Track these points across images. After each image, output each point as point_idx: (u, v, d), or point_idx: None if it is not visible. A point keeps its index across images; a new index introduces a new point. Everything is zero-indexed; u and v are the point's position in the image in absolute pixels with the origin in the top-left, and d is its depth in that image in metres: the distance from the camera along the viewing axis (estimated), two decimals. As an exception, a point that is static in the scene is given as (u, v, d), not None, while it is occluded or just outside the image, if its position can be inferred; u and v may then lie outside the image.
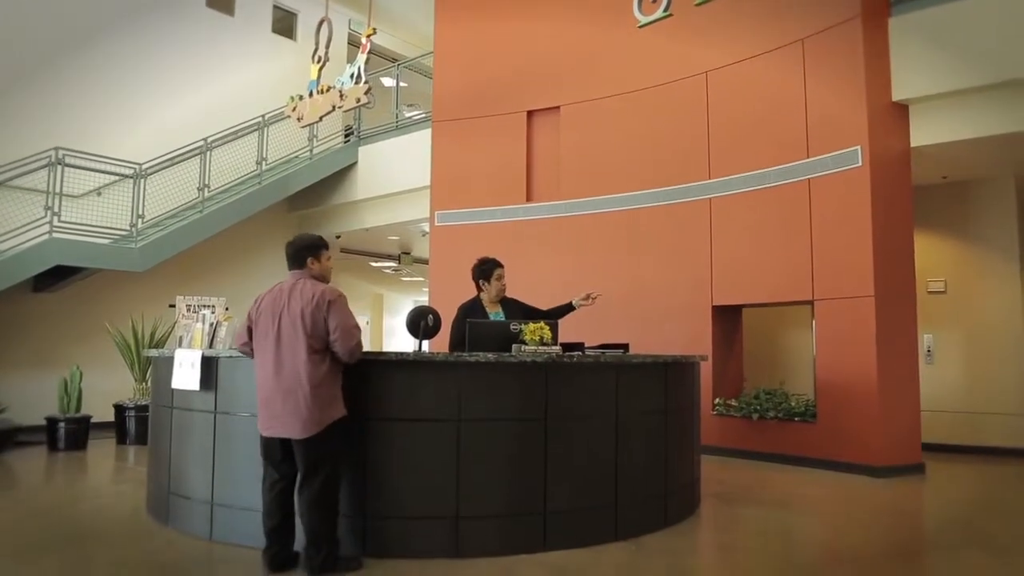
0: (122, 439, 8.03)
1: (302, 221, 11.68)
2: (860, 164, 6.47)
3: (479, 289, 5.00)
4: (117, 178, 8.78)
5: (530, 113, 8.87)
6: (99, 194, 8.68)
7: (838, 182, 6.63)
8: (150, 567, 3.67)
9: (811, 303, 6.87)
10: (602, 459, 4.08)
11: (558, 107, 8.67)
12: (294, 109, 8.29)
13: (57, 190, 8.02)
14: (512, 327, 4.14)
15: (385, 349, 13.80)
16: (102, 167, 8.53)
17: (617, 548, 3.94)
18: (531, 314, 4.84)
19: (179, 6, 10.52)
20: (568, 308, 5.09)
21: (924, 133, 6.64)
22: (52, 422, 7.71)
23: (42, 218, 7.91)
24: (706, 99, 7.62)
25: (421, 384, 3.79)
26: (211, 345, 4.54)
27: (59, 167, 8.05)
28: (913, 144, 6.70)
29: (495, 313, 4.93)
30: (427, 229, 9.73)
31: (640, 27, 8.05)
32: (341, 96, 7.71)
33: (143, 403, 7.89)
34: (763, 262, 7.12)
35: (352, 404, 3.66)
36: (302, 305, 3.46)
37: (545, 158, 8.76)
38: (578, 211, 8.40)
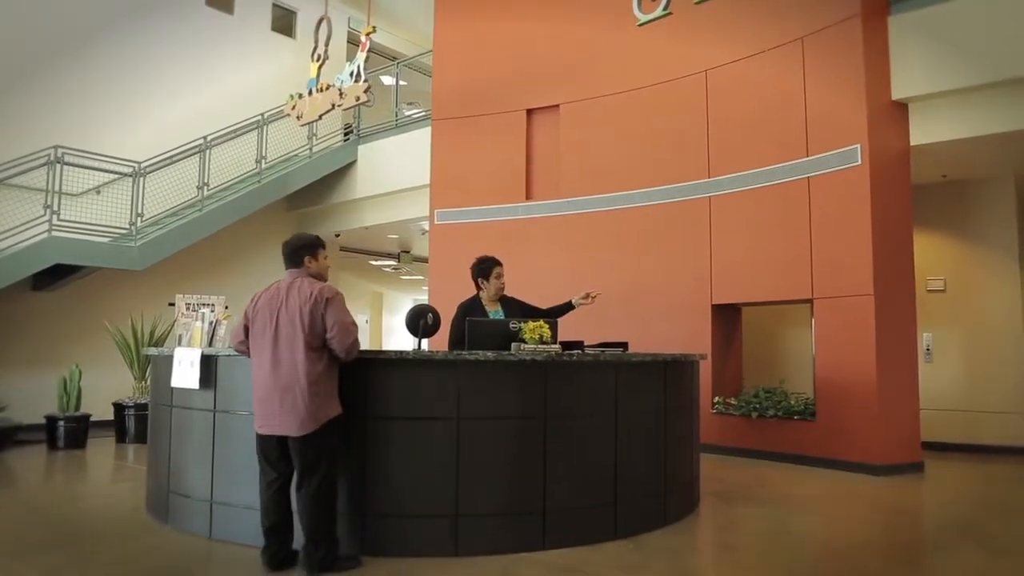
0: (121, 438, 8.04)
1: (301, 220, 11.68)
2: (860, 163, 6.47)
3: (478, 288, 5.01)
4: (116, 176, 8.78)
5: (529, 111, 8.86)
6: (98, 193, 8.68)
7: (838, 181, 6.63)
8: (149, 566, 3.67)
9: (810, 302, 6.87)
10: (601, 457, 4.08)
11: (557, 105, 8.67)
12: (293, 107, 8.29)
13: (56, 188, 8.02)
14: (511, 325, 4.14)
15: (385, 348, 13.81)
16: (101, 165, 8.52)
17: (616, 546, 3.94)
18: (530, 313, 4.84)
19: (178, 5, 10.51)
20: (568, 307, 5.09)
21: (924, 132, 6.64)
22: (52, 421, 7.71)
23: (41, 217, 7.91)
24: (706, 98, 7.62)
25: (420, 382, 3.79)
26: (210, 343, 4.54)
27: (58, 165, 8.05)
28: (913, 143, 6.70)
29: (494, 312, 4.94)
30: (426, 227, 9.73)
31: (640, 25, 8.06)
32: (340, 94, 7.71)
33: (142, 402, 7.89)
34: (762, 261, 7.12)
35: (351, 403, 3.66)
36: (300, 302, 3.47)
37: (545, 157, 8.76)
38: (578, 209, 8.40)
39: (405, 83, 11.67)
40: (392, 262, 14.35)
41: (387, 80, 11.61)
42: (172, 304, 5.11)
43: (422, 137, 9.74)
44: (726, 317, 7.61)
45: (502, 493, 3.83)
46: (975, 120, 6.35)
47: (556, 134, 8.67)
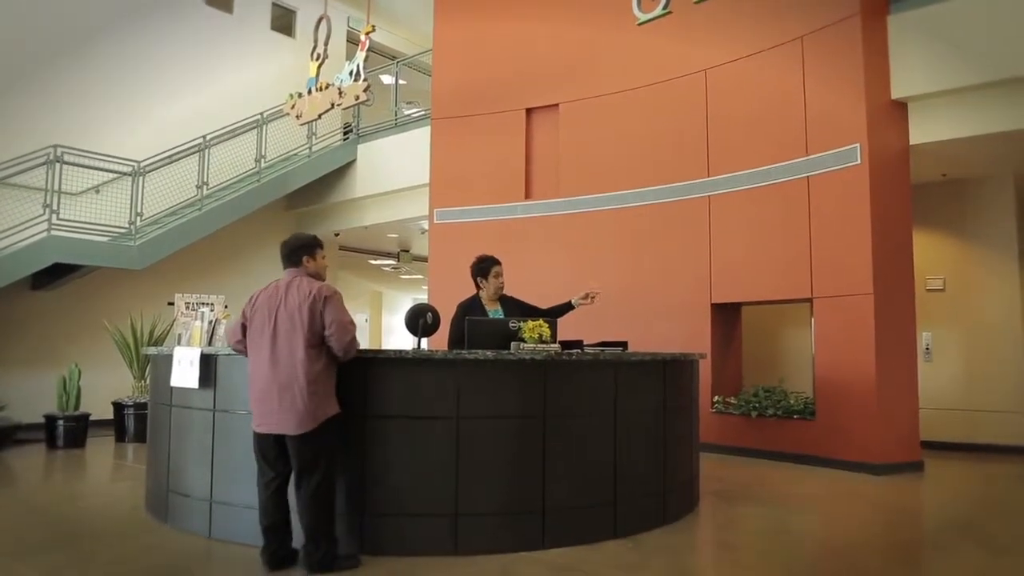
0: (121, 437, 8.04)
1: (301, 219, 11.67)
2: (859, 162, 6.47)
3: (478, 287, 5.01)
4: (116, 176, 8.77)
5: (529, 111, 8.86)
6: (98, 192, 8.67)
7: (837, 180, 6.63)
8: (149, 565, 3.67)
9: (810, 301, 6.87)
10: (601, 457, 4.08)
11: (557, 105, 8.66)
12: (293, 107, 8.28)
13: (56, 188, 8.02)
14: (511, 325, 4.14)
15: (384, 347, 13.81)
16: (101, 165, 8.52)
17: (616, 546, 3.94)
18: (530, 312, 4.84)
19: (178, 5, 10.51)
20: (567, 307, 5.09)
21: (923, 131, 6.64)
22: (51, 420, 7.71)
23: (40, 216, 7.90)
24: (705, 97, 7.62)
25: (420, 381, 3.79)
26: (210, 343, 4.54)
27: (57, 165, 8.05)
28: (912, 142, 6.70)
29: (494, 311, 4.94)
30: (426, 227, 9.73)
31: (639, 24, 8.07)
32: (340, 93, 7.70)
33: (142, 401, 7.89)
34: (762, 260, 7.12)
35: (351, 402, 3.67)
36: (299, 301, 3.48)
37: (544, 156, 8.76)
38: (577, 209, 8.40)
39: (404, 82, 11.67)
40: (391, 261, 14.35)
41: (386, 79, 11.61)
42: (171, 303, 5.11)
43: (421, 136, 9.73)
44: (726, 316, 7.61)
45: (501, 492, 3.83)
46: (974, 119, 6.35)
47: (556, 133, 8.67)
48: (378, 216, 10.87)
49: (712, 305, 7.46)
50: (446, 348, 4.66)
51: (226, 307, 4.83)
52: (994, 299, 7.72)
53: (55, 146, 8.06)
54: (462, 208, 8.93)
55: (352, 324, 3.55)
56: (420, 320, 4.39)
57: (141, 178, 8.88)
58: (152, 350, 4.81)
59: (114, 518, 4.68)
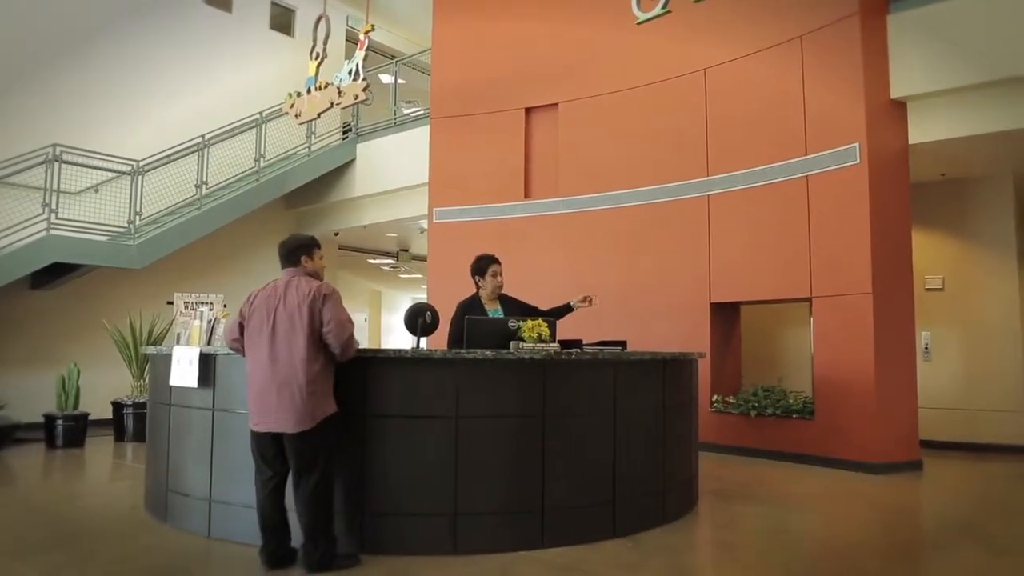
0: (120, 436, 8.04)
1: (300, 218, 11.67)
2: (858, 161, 6.47)
3: (477, 286, 5.01)
4: (115, 175, 8.76)
5: (528, 110, 8.86)
6: (97, 191, 8.67)
7: (836, 179, 6.63)
8: (148, 564, 3.67)
9: (809, 300, 6.88)
10: (600, 456, 4.08)
11: (556, 104, 8.66)
12: (292, 106, 8.27)
13: (55, 187, 8.01)
14: (510, 324, 4.14)
15: (383, 346, 13.80)
16: (100, 164, 8.52)
17: (615, 545, 3.94)
18: (529, 313, 4.83)
19: (178, 4, 10.50)
20: (567, 309, 5.10)
21: (922, 130, 6.64)
22: (50, 419, 7.70)
23: (40, 215, 7.89)
24: (704, 96, 7.62)
25: (419, 381, 3.79)
26: (209, 342, 4.53)
27: (56, 164, 8.04)
28: (911, 141, 6.70)
29: (494, 310, 4.94)
30: (425, 226, 9.73)
31: (638, 24, 8.07)
32: (339, 93, 7.70)
33: (141, 400, 7.89)
34: (761, 259, 7.12)
35: (350, 401, 3.67)
36: (299, 300, 3.49)
37: (543, 155, 8.76)
38: (576, 208, 8.40)
39: (404, 81, 11.66)
40: (391, 261, 14.35)
41: (386, 78, 11.61)
42: (170, 303, 5.10)
43: (421, 136, 9.73)
44: (725, 316, 7.61)
45: (501, 491, 3.83)
46: (974, 119, 6.35)
47: (555, 133, 8.67)
48: (377, 215, 10.86)
49: (711, 304, 7.46)
50: (445, 347, 4.66)
51: (225, 306, 4.82)
52: (993, 298, 7.73)
53: (54, 145, 8.06)
54: (461, 207, 8.93)
55: (350, 322, 3.56)
56: (419, 319, 4.39)
57: (140, 177, 8.88)
58: (151, 349, 4.81)
59: (113, 518, 4.68)
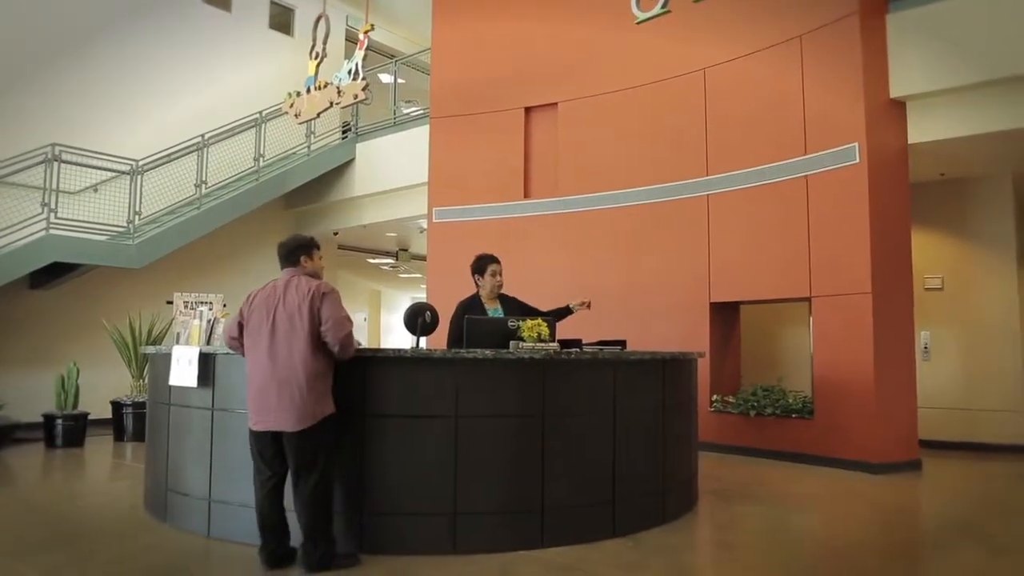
0: (119, 436, 8.04)
1: (299, 218, 11.67)
2: (858, 161, 6.47)
3: (477, 285, 5.01)
4: (114, 174, 8.76)
5: (528, 109, 8.85)
6: (96, 191, 8.66)
7: (835, 179, 6.63)
8: (148, 564, 3.67)
9: (808, 300, 6.88)
10: (600, 456, 4.08)
11: (556, 104, 8.66)
12: (291, 105, 8.27)
13: (54, 186, 8.01)
14: (510, 324, 4.14)
15: (383, 346, 13.80)
16: (99, 163, 8.51)
17: (615, 544, 3.94)
18: (530, 313, 4.83)
19: (178, 4, 10.50)
20: (566, 311, 5.11)
21: (921, 130, 6.64)
22: (49, 419, 7.70)
23: (39, 215, 7.89)
24: (704, 96, 7.61)
25: (419, 380, 3.79)
26: (208, 342, 4.53)
27: (56, 163, 8.04)
28: (910, 141, 6.70)
29: (494, 310, 4.94)
30: (425, 226, 9.73)
31: (638, 23, 8.07)
32: (339, 92, 7.69)
33: (140, 400, 7.89)
34: (761, 259, 7.12)
35: (349, 400, 3.67)
36: (299, 299, 3.50)
37: (543, 155, 8.75)
38: (576, 208, 8.40)
39: (403, 81, 11.66)
40: (390, 260, 14.34)
41: (385, 78, 11.60)
42: (170, 302, 5.10)
43: (420, 135, 9.73)
44: (724, 315, 7.61)
45: (500, 491, 3.83)
46: (973, 118, 6.35)
47: (554, 132, 8.67)
48: (377, 215, 10.86)
49: (711, 304, 7.46)
50: (445, 347, 4.67)
51: (224, 306, 4.82)
52: (993, 298, 7.73)
53: (53, 144, 8.05)
54: (461, 207, 8.93)
55: (349, 321, 3.56)
56: (419, 319, 4.40)
57: (139, 177, 8.87)
58: (151, 349, 4.80)
59: (113, 517, 4.68)
